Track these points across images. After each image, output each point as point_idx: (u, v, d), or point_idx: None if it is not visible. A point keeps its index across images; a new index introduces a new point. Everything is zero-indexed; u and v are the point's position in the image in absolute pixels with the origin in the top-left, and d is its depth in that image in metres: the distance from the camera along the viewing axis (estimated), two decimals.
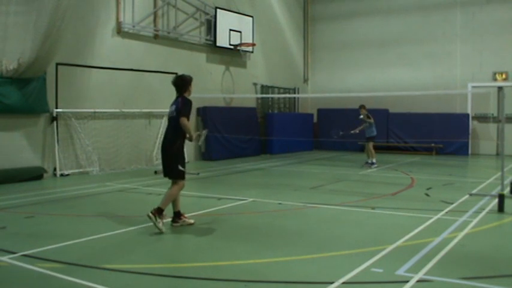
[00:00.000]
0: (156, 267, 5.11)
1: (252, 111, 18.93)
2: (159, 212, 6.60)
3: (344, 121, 20.23)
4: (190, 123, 7.11)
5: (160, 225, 6.53)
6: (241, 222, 7.36)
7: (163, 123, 15.24)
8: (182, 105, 6.78)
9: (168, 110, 7.13)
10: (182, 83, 7.01)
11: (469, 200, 8.93)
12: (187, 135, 6.85)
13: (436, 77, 19.43)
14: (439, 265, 5.06)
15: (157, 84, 15.20)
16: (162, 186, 10.68)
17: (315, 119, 21.79)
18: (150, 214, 6.55)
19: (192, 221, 7.04)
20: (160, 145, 7.26)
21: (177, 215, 7.00)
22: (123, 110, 13.67)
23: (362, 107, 14.70)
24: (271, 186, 11.13)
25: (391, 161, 16.21)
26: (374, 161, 14.54)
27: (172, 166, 6.82)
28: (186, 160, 15.80)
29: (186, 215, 7.08)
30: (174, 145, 6.79)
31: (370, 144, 14.54)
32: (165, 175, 6.99)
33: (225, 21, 17.33)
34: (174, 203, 6.95)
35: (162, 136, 7.15)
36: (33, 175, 11.56)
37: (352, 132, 14.86)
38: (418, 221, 7.16)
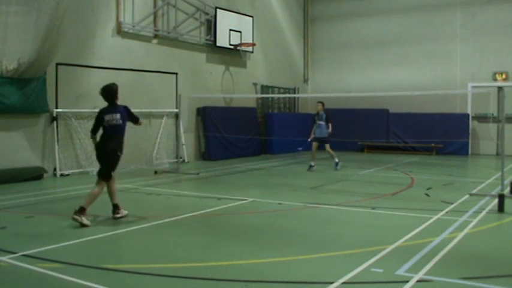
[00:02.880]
0: (156, 267, 5.10)
1: (252, 111, 18.93)
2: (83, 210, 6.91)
3: (344, 121, 20.31)
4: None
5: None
6: (241, 222, 7.36)
7: (164, 123, 15.28)
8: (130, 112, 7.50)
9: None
10: (111, 92, 7.34)
11: (469, 200, 8.93)
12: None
13: (436, 77, 19.43)
14: (439, 265, 5.06)
15: (157, 84, 15.21)
16: (162, 186, 10.70)
17: None
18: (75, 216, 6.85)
19: (126, 212, 7.32)
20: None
21: (117, 207, 7.26)
22: None
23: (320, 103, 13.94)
24: (271, 186, 11.12)
25: (391, 161, 16.21)
26: (337, 160, 13.79)
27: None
28: (186, 160, 15.94)
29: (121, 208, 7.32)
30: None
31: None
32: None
33: (225, 21, 17.33)
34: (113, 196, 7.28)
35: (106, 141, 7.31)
36: (33, 175, 11.54)
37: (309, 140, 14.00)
38: (418, 221, 7.16)
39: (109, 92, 7.28)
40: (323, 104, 13.98)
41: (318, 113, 13.89)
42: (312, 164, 13.77)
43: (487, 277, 4.77)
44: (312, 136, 13.91)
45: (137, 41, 14.65)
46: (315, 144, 13.83)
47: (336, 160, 13.78)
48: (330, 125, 13.73)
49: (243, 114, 18.24)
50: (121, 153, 7.30)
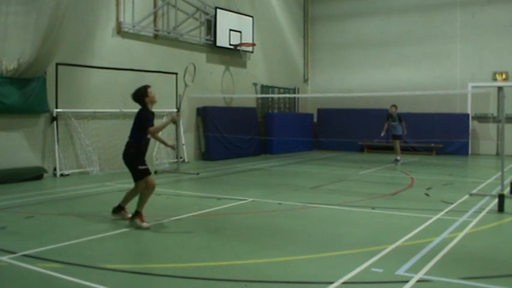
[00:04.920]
0: (156, 267, 5.11)
1: (252, 111, 18.92)
2: (137, 214, 6.85)
3: (344, 121, 20.35)
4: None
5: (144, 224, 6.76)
6: (241, 222, 7.36)
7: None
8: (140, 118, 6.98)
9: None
10: (136, 96, 7.12)
11: (469, 200, 8.93)
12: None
13: (436, 77, 19.42)
14: (439, 265, 5.06)
15: (157, 84, 15.18)
16: (162, 186, 10.70)
17: (315, 119, 21.78)
18: (132, 220, 6.90)
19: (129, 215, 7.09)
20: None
21: (121, 208, 7.23)
22: (123, 110, 13.66)
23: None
24: (271, 186, 11.12)
25: (391, 161, 16.20)
26: (398, 157, 15.72)
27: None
28: (186, 160, 15.94)
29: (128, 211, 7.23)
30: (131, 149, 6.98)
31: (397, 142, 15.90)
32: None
33: (225, 21, 17.33)
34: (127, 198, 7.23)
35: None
36: (33, 175, 11.53)
37: (382, 134, 15.87)
38: (418, 221, 7.16)
39: (135, 95, 7.15)
40: (396, 107, 15.84)
41: (391, 115, 15.80)
42: (398, 158, 15.61)
43: (487, 277, 4.77)
44: (384, 133, 15.75)
45: (137, 41, 14.65)
46: (396, 141, 15.85)
47: (398, 158, 15.60)
48: (404, 124, 15.75)
49: (243, 114, 18.24)
50: (133, 151, 6.96)
